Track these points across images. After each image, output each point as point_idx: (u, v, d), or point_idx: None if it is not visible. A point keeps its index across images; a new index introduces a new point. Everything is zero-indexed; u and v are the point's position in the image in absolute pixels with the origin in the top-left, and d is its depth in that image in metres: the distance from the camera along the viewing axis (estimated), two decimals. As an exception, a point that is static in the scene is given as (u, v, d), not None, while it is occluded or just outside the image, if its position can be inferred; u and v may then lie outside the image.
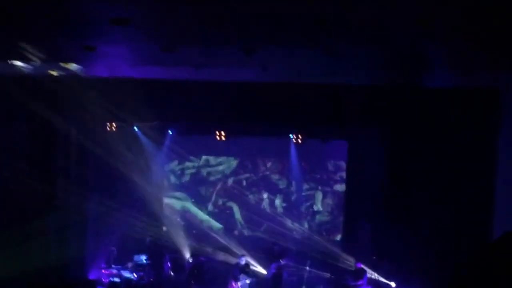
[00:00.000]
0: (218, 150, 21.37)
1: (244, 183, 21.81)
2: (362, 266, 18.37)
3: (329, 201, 21.64)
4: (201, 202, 21.70)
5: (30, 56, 13.56)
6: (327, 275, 19.67)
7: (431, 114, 15.82)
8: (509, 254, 2.40)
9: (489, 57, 12.25)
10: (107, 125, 18.67)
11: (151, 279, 18.71)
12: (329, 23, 10.06)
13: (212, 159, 21.74)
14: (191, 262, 19.24)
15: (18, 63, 14.10)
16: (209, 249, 19.79)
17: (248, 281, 16.78)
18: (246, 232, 21.44)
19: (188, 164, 21.42)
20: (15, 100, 15.55)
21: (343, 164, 21.28)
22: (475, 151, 15.82)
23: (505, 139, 15.45)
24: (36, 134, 16.42)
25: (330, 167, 21.66)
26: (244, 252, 19.12)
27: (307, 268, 19.57)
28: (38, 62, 13.95)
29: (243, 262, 17.41)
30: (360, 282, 17.84)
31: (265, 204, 21.76)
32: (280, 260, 18.90)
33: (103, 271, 18.47)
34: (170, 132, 19.91)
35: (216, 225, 21.67)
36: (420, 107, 15.70)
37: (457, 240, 15.66)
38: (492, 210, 15.69)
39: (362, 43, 11.58)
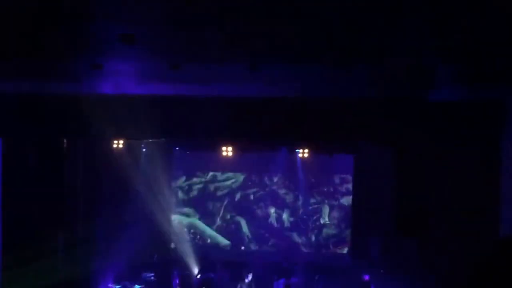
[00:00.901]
0: (225, 165, 21.41)
1: (252, 197, 21.84)
2: (369, 278, 18.38)
3: (335, 214, 21.64)
4: (208, 218, 21.72)
5: (36, 75, 13.61)
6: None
7: (437, 127, 15.82)
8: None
9: (495, 69, 12.28)
10: (113, 143, 18.71)
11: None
12: (336, 39, 10.11)
13: (219, 175, 21.78)
14: (199, 278, 19.24)
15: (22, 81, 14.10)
16: (217, 265, 19.74)
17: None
18: (253, 247, 21.43)
19: (195, 180, 21.47)
20: (22, 119, 15.61)
21: (349, 178, 21.31)
22: (481, 161, 15.80)
23: (508, 147, 15.47)
24: (45, 153, 16.45)
25: (337, 180, 21.69)
26: (251, 267, 19.11)
27: (315, 283, 19.58)
28: (43, 80, 14.00)
29: (250, 278, 17.40)
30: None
31: (272, 218, 21.76)
32: (290, 277, 18.90)
33: (111, 286, 18.47)
34: (177, 148, 19.96)
35: (224, 240, 21.67)
36: (426, 120, 15.70)
37: (466, 253, 15.62)
38: (498, 222, 15.67)
39: (367, 59, 11.63)
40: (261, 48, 11.29)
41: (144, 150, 20.18)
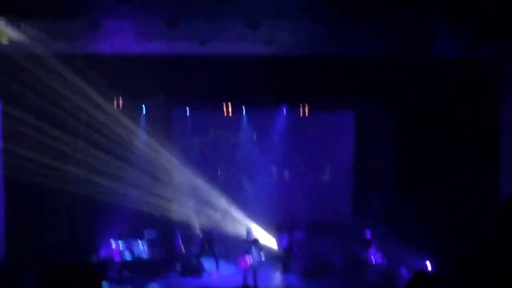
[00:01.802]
0: (225, 124, 21.39)
1: (254, 156, 21.84)
2: (371, 235, 18.50)
3: (338, 172, 21.67)
4: (210, 176, 21.71)
5: (35, 34, 13.53)
6: (338, 245, 19.79)
7: (436, 84, 15.80)
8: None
9: (492, 27, 12.21)
10: (114, 103, 18.67)
11: (162, 255, 18.84)
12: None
13: (220, 133, 21.71)
14: (202, 237, 19.37)
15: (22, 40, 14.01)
16: (219, 223, 19.88)
17: (260, 254, 16.88)
18: (256, 205, 21.46)
19: (195, 139, 21.40)
20: (23, 77, 15.60)
21: (351, 135, 21.30)
22: (480, 119, 15.80)
23: (508, 105, 15.46)
24: (46, 111, 16.44)
25: (338, 138, 21.64)
26: (255, 224, 19.23)
27: (318, 239, 19.76)
28: (42, 40, 13.93)
29: (253, 235, 17.50)
30: (369, 251, 17.98)
31: (275, 175, 21.80)
32: (292, 234, 19.05)
33: (114, 247, 18.60)
34: (177, 107, 19.91)
35: (227, 198, 21.74)
36: (425, 77, 15.67)
37: (465, 208, 15.70)
38: (499, 180, 15.73)
39: (366, 15, 11.55)
40: (260, 4, 11.22)
41: (144, 109, 20.12)
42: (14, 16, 12.13)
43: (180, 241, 19.75)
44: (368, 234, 18.47)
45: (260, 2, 11.13)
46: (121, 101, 18.53)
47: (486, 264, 2.47)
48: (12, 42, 13.62)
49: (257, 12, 11.77)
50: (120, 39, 14.02)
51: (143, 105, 19.37)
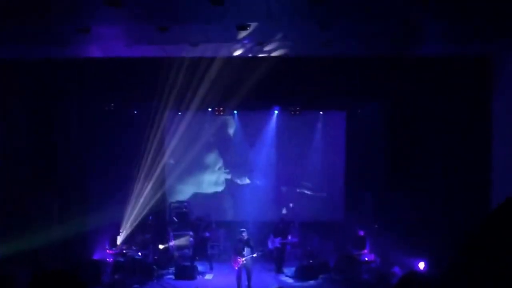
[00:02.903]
0: (218, 125, 21.37)
1: (246, 156, 21.82)
2: (364, 234, 18.56)
3: (330, 170, 21.68)
4: (203, 178, 21.67)
5: (23, 40, 13.48)
6: (331, 245, 19.85)
7: (426, 83, 15.84)
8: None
9: (480, 25, 12.25)
10: (105, 105, 18.68)
11: (156, 257, 18.83)
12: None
13: (213, 134, 21.63)
14: (195, 238, 19.36)
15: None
16: (212, 225, 19.86)
17: (254, 255, 16.88)
18: (250, 205, 21.46)
19: (187, 141, 21.29)
20: (11, 83, 15.56)
21: (342, 134, 21.36)
22: (471, 116, 15.85)
23: (498, 102, 15.52)
24: (36, 111, 16.41)
25: (330, 137, 21.66)
26: (248, 225, 19.22)
27: (311, 239, 19.80)
28: (31, 45, 13.88)
29: (245, 236, 17.51)
30: (362, 251, 18.03)
31: (267, 175, 21.77)
32: (286, 236, 19.06)
33: (107, 251, 18.59)
34: (167, 109, 19.90)
35: (220, 198, 21.73)
36: (415, 76, 15.70)
37: (458, 205, 15.75)
38: (490, 174, 15.79)
39: (355, 16, 11.56)
40: (251, 7, 11.20)
41: (135, 112, 20.14)
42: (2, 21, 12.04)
43: (173, 243, 19.76)
44: (361, 233, 18.53)
45: (251, 4, 11.09)
46: (112, 104, 18.57)
47: (473, 263, 2.47)
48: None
49: (248, 14, 11.74)
50: (110, 43, 13.98)
51: (134, 108, 19.38)
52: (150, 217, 19.90)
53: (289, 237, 19.17)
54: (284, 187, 21.80)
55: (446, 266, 2.53)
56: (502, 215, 2.37)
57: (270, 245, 19.01)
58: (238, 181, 21.90)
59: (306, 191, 21.76)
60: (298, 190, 21.81)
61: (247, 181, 21.84)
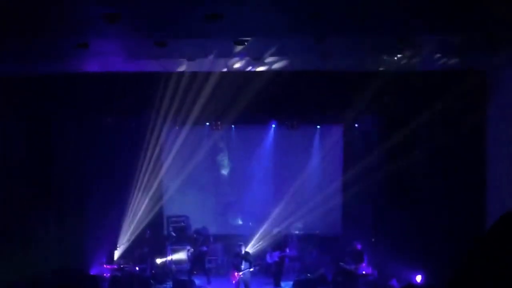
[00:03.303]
0: (215, 140, 21.35)
1: (245, 172, 21.77)
2: (362, 247, 18.56)
3: (328, 183, 21.66)
4: (201, 192, 21.64)
5: (23, 55, 13.56)
6: (328, 258, 19.83)
7: (424, 96, 15.93)
8: (508, 237, 2.47)
9: (476, 40, 12.37)
10: (103, 119, 18.73)
11: (153, 271, 18.81)
12: (322, 14, 10.12)
13: (210, 149, 21.59)
14: (193, 253, 19.33)
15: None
16: (210, 239, 19.83)
17: (251, 269, 16.88)
18: (247, 220, 21.44)
19: (185, 155, 21.27)
20: (9, 98, 15.61)
21: (340, 148, 21.39)
22: (467, 130, 15.93)
23: (494, 116, 15.64)
24: (33, 127, 16.45)
25: (327, 150, 21.66)
26: (246, 239, 19.22)
27: (309, 253, 19.79)
28: (30, 61, 13.96)
29: (243, 250, 17.51)
30: (360, 265, 18.03)
31: (265, 189, 21.70)
32: (284, 250, 19.06)
33: (104, 265, 18.57)
34: (166, 124, 19.94)
35: (218, 213, 21.68)
36: (414, 90, 15.80)
37: (455, 218, 15.81)
38: (486, 188, 15.87)
39: (353, 32, 11.66)
40: (248, 22, 11.29)
41: (133, 125, 20.12)
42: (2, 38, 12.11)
43: (171, 257, 19.75)
44: (358, 246, 18.54)
45: (248, 19, 11.18)
46: (110, 118, 18.61)
47: (471, 278, 2.52)
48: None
49: (245, 29, 11.84)
50: (108, 58, 14.07)
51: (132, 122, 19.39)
52: (148, 231, 19.87)
53: (287, 250, 19.17)
54: (281, 201, 21.75)
55: (445, 282, 2.57)
56: (501, 229, 2.42)
57: (268, 259, 18.99)
58: (235, 195, 21.83)
59: (304, 205, 21.72)
60: (295, 204, 21.77)
61: (245, 194, 21.78)
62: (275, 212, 21.05)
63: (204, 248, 19.13)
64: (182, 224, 20.93)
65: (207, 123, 20.04)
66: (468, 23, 11.11)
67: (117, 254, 18.90)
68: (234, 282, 16.81)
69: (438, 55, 13.97)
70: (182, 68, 15.33)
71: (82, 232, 17.78)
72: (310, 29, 11.24)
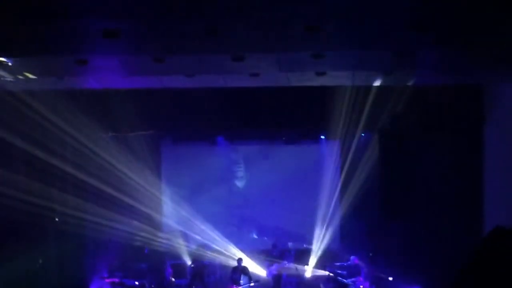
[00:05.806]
0: (214, 156, 21.38)
1: (244, 185, 21.79)
2: (359, 261, 18.59)
3: (325, 198, 21.67)
4: (200, 207, 21.63)
5: (20, 72, 13.61)
6: (326, 272, 19.83)
7: (420, 110, 16.02)
8: (502, 250, 2.55)
9: (473, 57, 12.47)
10: (101, 136, 18.76)
11: (153, 285, 18.80)
12: (319, 29, 10.22)
13: (209, 164, 21.60)
14: (193, 267, 19.34)
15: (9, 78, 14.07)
16: (209, 253, 19.84)
17: (251, 284, 16.90)
18: (245, 234, 21.44)
19: (185, 172, 21.29)
20: (10, 113, 15.65)
21: (336, 163, 21.42)
22: (464, 145, 16.03)
23: (491, 133, 15.72)
24: (33, 149, 16.49)
25: (324, 166, 21.70)
26: (244, 254, 19.22)
27: (306, 267, 19.79)
28: (28, 77, 14.01)
29: (242, 264, 17.51)
30: (357, 279, 18.04)
31: (263, 205, 21.71)
32: (282, 262, 19.08)
33: (105, 280, 18.55)
34: (165, 140, 20.02)
35: (216, 228, 21.67)
36: (410, 104, 15.88)
37: (451, 233, 15.87)
38: (483, 202, 15.93)
39: (350, 46, 11.76)
40: (244, 39, 11.39)
41: (132, 142, 20.16)
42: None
43: (170, 272, 19.73)
44: (356, 260, 18.56)
45: (246, 36, 11.28)
46: (108, 134, 18.66)
47: None
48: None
49: (243, 45, 11.93)
50: (107, 75, 14.15)
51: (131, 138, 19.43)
52: (147, 248, 19.85)
53: (285, 263, 19.19)
54: (279, 214, 21.76)
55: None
56: (489, 245, 2.49)
57: (267, 273, 19.01)
58: (235, 210, 21.84)
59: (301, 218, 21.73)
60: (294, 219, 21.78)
61: (244, 210, 21.80)
62: (274, 226, 21.06)
63: (205, 263, 19.15)
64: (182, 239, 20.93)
65: (207, 140, 20.11)
66: (467, 39, 11.20)
67: (117, 268, 18.86)
68: (233, 297, 16.85)
69: (436, 70, 14.06)
70: (180, 84, 15.38)
71: (82, 246, 17.78)
72: (309, 42, 11.31)
